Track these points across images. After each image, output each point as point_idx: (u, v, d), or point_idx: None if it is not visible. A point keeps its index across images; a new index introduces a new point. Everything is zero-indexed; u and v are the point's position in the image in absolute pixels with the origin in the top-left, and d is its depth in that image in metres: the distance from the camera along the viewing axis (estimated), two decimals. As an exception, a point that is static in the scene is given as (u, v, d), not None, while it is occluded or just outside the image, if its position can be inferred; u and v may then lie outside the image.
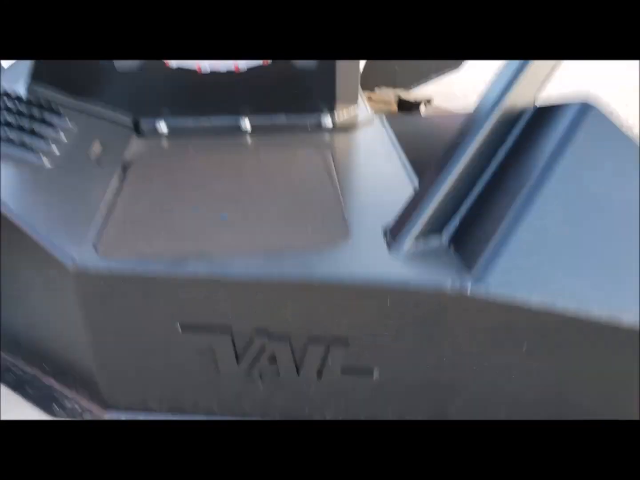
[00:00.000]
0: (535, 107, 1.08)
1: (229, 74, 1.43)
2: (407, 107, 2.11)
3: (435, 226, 1.02)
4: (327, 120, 1.47)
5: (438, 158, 1.07)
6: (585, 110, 0.99)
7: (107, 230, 1.07)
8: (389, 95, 2.26)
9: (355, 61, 1.50)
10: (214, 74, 1.43)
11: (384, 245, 1.03)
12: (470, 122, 1.05)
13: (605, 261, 0.93)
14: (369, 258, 1.01)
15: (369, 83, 2.26)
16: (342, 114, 1.49)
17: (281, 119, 1.48)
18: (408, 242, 1.01)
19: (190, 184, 1.24)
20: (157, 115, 1.46)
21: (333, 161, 1.32)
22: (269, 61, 1.42)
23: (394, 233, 1.04)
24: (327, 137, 1.44)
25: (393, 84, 2.49)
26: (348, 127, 1.48)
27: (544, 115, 1.05)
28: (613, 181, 0.97)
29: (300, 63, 1.43)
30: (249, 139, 1.45)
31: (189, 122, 1.47)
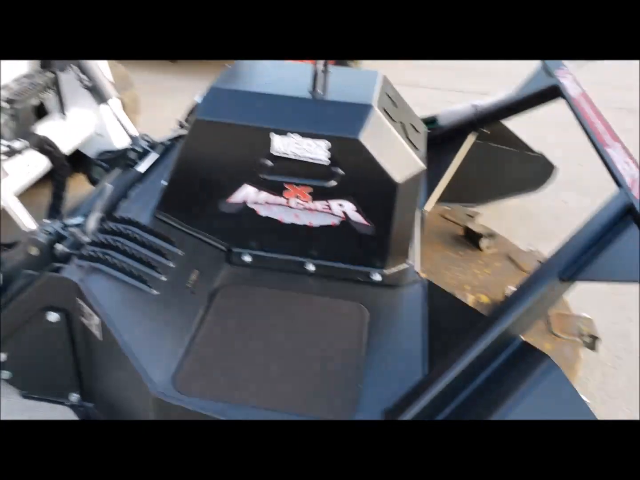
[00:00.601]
0: (520, 340, 1.34)
1: (304, 226, 1.79)
2: (471, 235, 2.35)
3: (417, 424, 1.33)
4: (376, 276, 1.79)
5: (434, 369, 1.37)
6: (550, 368, 1.25)
7: (184, 368, 1.48)
8: (461, 217, 2.51)
9: (410, 226, 1.80)
10: (292, 225, 1.79)
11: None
12: (469, 339, 1.33)
13: None
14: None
15: (449, 195, 2.49)
16: (390, 270, 1.81)
17: (339, 265, 1.82)
18: (394, 433, 1.32)
19: (254, 326, 1.63)
20: (245, 247, 1.86)
21: (369, 323, 1.64)
22: (337, 223, 1.76)
23: (387, 419, 1.36)
24: (372, 293, 1.77)
25: (473, 197, 2.73)
26: (393, 285, 1.79)
27: (523, 351, 1.32)
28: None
29: (361, 228, 1.75)
30: (310, 282, 1.81)
31: (268, 256, 1.85)
